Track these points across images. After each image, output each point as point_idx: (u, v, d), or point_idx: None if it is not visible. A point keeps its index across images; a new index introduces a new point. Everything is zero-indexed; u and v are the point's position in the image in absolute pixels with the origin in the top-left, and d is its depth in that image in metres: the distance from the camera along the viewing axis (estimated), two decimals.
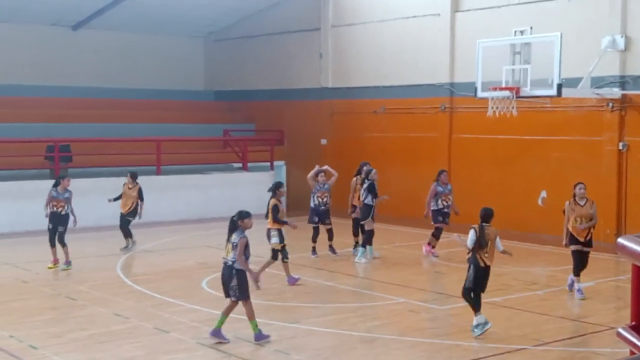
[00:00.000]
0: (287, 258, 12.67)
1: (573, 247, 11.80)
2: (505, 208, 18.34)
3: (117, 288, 12.63)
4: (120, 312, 10.86)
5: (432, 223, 15.18)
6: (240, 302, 9.31)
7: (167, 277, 13.59)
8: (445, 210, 15.02)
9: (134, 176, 16.31)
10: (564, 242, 11.94)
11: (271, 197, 12.74)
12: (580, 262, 11.81)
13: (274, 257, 12.61)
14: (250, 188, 21.98)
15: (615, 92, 16.38)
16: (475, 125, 18.96)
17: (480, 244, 9.57)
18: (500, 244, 9.76)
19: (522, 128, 17.90)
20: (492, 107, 15.72)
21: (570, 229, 11.77)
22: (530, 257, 15.52)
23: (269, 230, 12.67)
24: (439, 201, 15.02)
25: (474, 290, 9.73)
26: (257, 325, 9.33)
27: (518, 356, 9.02)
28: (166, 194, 20.47)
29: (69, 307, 11.43)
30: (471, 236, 9.64)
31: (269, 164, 22.87)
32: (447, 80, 19.87)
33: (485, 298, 10.96)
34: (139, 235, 18.06)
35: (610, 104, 16.58)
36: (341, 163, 22.55)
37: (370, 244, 14.83)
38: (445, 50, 19.82)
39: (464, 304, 10.41)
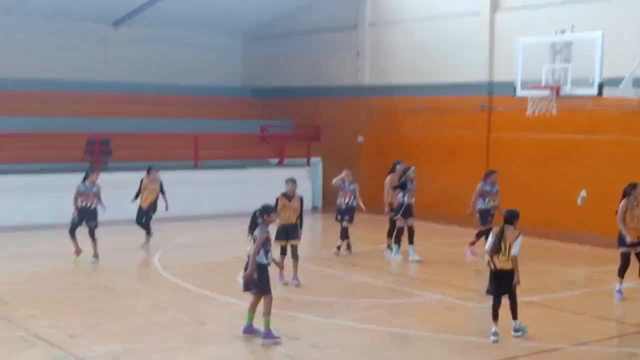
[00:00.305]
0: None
1: (624, 249, 11.50)
2: (544, 208, 18.19)
3: (155, 280, 12.79)
4: (158, 304, 10.99)
5: (481, 223, 14.73)
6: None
7: (203, 270, 13.72)
8: (492, 211, 14.69)
9: (155, 170, 16.18)
10: (628, 241, 11.39)
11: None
12: (627, 264, 11.56)
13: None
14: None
15: None
16: (514, 124, 18.80)
17: (495, 247, 9.27)
18: (517, 249, 9.20)
19: (562, 127, 17.70)
20: (532, 106, 15.56)
21: (625, 229, 11.38)
22: (570, 256, 15.37)
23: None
24: (486, 200, 14.78)
25: (496, 293, 9.39)
26: (269, 323, 9.16)
27: (556, 355, 8.95)
28: (203, 188, 20.63)
29: (107, 298, 11.60)
30: (489, 238, 9.42)
31: (305, 160, 22.94)
32: (486, 78, 19.72)
33: (523, 297, 10.88)
34: (175, 228, 18.30)
35: None
36: (377, 160, 22.55)
37: (397, 242, 14.75)
38: (484, 48, 19.68)
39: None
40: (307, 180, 22.64)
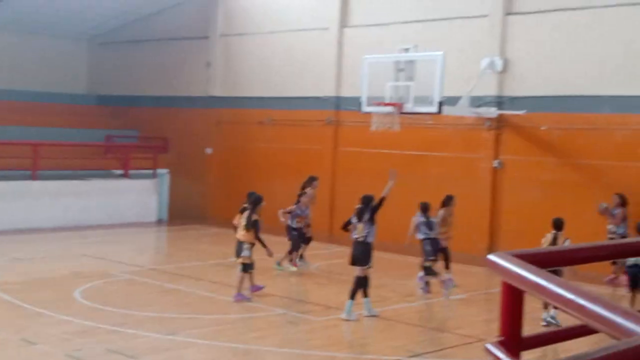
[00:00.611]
0: (252, 268, 12.25)
1: None
2: (386, 220, 18.64)
3: None
4: None
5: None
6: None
7: (38, 286, 13.01)
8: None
9: None
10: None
11: (251, 211, 12.12)
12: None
13: (245, 269, 12.11)
14: (131, 195, 21.50)
15: (492, 112, 16.99)
16: (359, 139, 19.23)
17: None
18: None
19: (405, 143, 18.29)
20: (376, 122, 15.97)
21: None
22: (408, 268, 15.81)
23: (241, 243, 12.08)
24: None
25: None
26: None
27: None
28: (42, 200, 19.68)
29: None
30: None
31: (151, 171, 22.38)
32: (334, 93, 20.07)
33: (362, 309, 11.13)
34: (10, 242, 17.30)
35: (488, 123, 17.19)
36: (226, 172, 22.43)
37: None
38: (332, 64, 20.04)
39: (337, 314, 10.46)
40: (153, 192, 22.14)
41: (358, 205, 11.40)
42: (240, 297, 12.06)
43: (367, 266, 11.12)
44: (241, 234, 12.08)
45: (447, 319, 11.94)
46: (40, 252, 16.54)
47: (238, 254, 12.12)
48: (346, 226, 11.69)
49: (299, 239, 15.04)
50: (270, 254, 12.47)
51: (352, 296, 10.90)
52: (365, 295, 11.10)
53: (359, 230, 11.15)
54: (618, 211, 14.46)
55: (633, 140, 15.37)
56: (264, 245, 12.18)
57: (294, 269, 14.84)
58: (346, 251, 17.45)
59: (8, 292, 12.21)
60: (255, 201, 12.31)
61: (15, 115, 22.75)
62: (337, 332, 10.54)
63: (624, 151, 15.44)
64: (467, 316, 11.91)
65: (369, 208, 11.24)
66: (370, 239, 11.16)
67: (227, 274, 14.60)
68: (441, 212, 13.46)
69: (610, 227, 14.41)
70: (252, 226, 12.03)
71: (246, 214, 12.17)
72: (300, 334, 10.67)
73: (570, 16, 16.19)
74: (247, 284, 12.24)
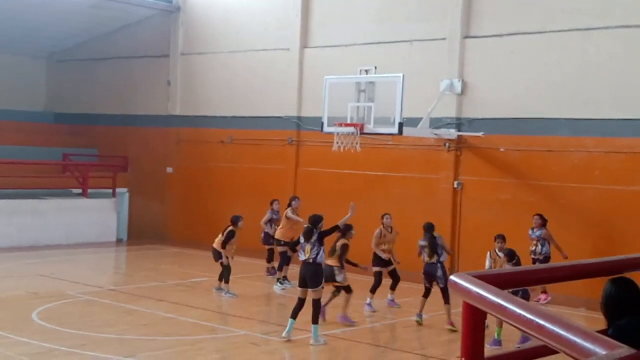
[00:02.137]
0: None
1: (377, 269, 13.78)
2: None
3: None
4: None
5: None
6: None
7: None
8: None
9: None
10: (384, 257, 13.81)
11: (340, 238, 12.30)
12: (380, 282, 13.68)
13: (348, 290, 12.19)
14: (90, 215, 21.26)
15: (452, 133, 17.21)
16: (321, 159, 19.30)
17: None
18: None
19: (366, 164, 18.41)
20: (338, 142, 16.04)
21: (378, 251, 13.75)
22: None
23: (332, 267, 12.00)
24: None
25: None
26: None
27: None
28: None
29: None
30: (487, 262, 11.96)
31: (111, 190, 22.17)
32: (295, 114, 20.14)
33: (325, 331, 11.14)
34: None
35: (447, 144, 17.40)
36: (186, 192, 22.31)
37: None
38: (294, 84, 20.12)
39: (304, 336, 10.45)
40: (112, 211, 21.92)
41: (306, 226, 11.29)
42: (344, 319, 12.14)
43: (319, 288, 10.91)
44: (330, 260, 12.01)
45: (409, 340, 11.99)
46: None
47: (328, 279, 11.82)
48: (294, 247, 11.66)
49: (285, 256, 15.17)
50: (365, 269, 13.23)
51: (315, 321, 10.81)
52: (315, 322, 10.77)
53: (307, 252, 10.96)
54: (540, 232, 14.65)
55: (589, 162, 15.68)
56: (356, 266, 12.77)
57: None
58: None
59: None
60: (346, 229, 12.45)
61: None
62: (301, 353, 10.52)
63: (580, 173, 15.73)
64: (429, 337, 11.98)
65: (318, 229, 11.08)
66: (320, 260, 11.00)
67: (188, 295, 14.50)
68: (377, 231, 13.95)
69: (533, 248, 14.60)
70: (341, 252, 12.16)
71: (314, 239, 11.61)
72: (262, 355, 10.62)
73: (527, 40, 16.51)
74: (349, 307, 12.28)
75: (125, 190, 22.63)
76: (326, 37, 19.70)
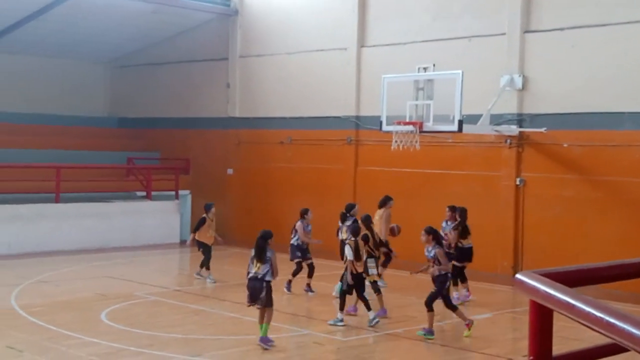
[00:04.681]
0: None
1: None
2: (408, 239, 18.66)
3: (11, 320, 12.12)
4: (13, 345, 10.41)
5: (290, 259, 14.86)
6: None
7: (63, 308, 13.13)
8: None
9: None
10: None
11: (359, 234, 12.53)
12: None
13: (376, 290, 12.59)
14: (154, 217, 21.68)
15: (513, 130, 16.99)
16: (380, 158, 19.28)
17: (356, 257, 11.81)
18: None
19: (425, 162, 18.32)
20: (396, 141, 16.02)
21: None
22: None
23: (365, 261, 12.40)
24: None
25: (349, 292, 12.01)
26: (267, 330, 10.30)
27: None
28: (65, 222, 19.88)
29: None
30: (347, 250, 11.93)
31: (173, 192, 22.57)
32: (353, 113, 20.17)
33: (387, 329, 11.12)
34: (34, 264, 17.47)
35: (508, 141, 17.19)
36: (247, 193, 22.55)
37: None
38: (351, 83, 20.15)
39: (367, 334, 10.46)
40: (175, 213, 22.30)
41: (258, 240, 10.51)
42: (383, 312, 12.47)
43: (270, 307, 10.38)
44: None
45: (473, 339, 11.90)
46: (64, 274, 16.70)
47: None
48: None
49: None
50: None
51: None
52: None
53: (257, 268, 10.32)
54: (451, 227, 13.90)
55: None
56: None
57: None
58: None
59: (33, 314, 12.34)
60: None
61: (38, 138, 23.05)
62: (364, 352, 10.54)
63: None
64: (493, 335, 11.87)
65: (268, 245, 10.41)
66: (268, 278, 10.31)
67: None
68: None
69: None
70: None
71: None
72: (326, 354, 10.68)
73: (588, 33, 16.21)
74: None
75: (187, 192, 23.00)
76: (383, 35, 19.66)
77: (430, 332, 11.13)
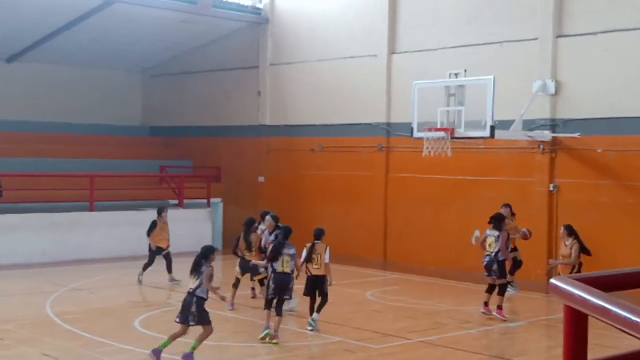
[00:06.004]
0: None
1: None
2: (440, 246, 18.58)
3: (46, 327, 12.26)
4: (49, 352, 10.53)
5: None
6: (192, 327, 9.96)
7: (98, 315, 13.25)
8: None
9: None
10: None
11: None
12: None
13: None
14: (186, 225, 21.76)
15: (546, 135, 16.84)
16: (411, 164, 19.22)
17: (308, 257, 11.90)
18: (327, 257, 12.00)
19: (457, 168, 18.22)
20: (428, 147, 15.96)
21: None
22: (465, 295, 15.67)
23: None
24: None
25: (312, 293, 12.08)
26: (195, 348, 9.82)
27: None
28: (99, 230, 20.09)
29: None
30: (304, 252, 11.92)
31: (205, 200, 22.68)
32: (384, 120, 20.13)
33: (419, 336, 11.05)
34: (69, 272, 17.65)
35: (541, 146, 17.03)
36: (278, 200, 22.59)
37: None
38: (381, 90, 20.12)
39: (399, 342, 10.39)
40: (207, 221, 22.41)
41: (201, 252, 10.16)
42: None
43: (205, 324, 9.89)
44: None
45: (507, 346, 11.79)
46: (98, 282, 16.86)
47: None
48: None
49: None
50: None
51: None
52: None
53: (191, 282, 9.93)
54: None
55: None
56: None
57: None
58: (400, 278, 17.42)
59: (68, 321, 12.46)
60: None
61: (72, 147, 23.36)
62: (393, 359, 10.48)
63: None
64: (527, 343, 11.75)
65: (208, 261, 10.01)
66: (200, 293, 9.84)
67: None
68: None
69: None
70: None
71: None
72: None
73: (621, 37, 16.02)
74: None
75: (219, 199, 23.10)
76: (413, 41, 19.62)
77: None
